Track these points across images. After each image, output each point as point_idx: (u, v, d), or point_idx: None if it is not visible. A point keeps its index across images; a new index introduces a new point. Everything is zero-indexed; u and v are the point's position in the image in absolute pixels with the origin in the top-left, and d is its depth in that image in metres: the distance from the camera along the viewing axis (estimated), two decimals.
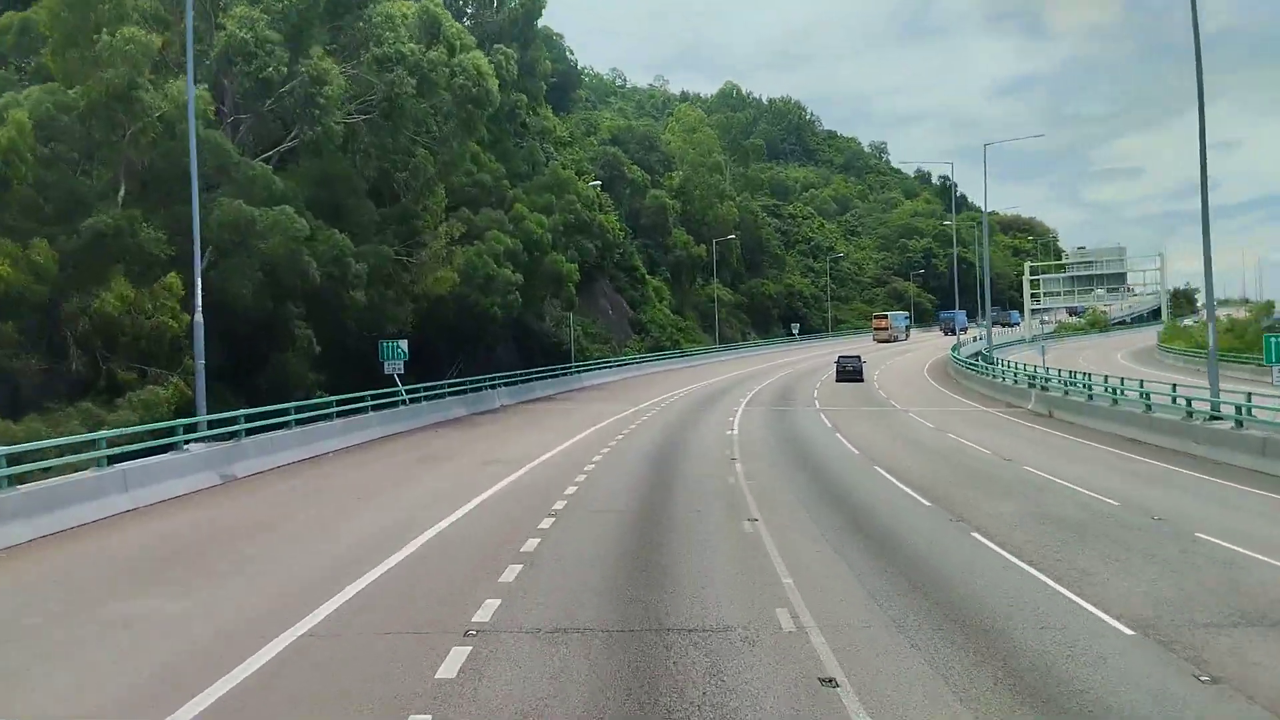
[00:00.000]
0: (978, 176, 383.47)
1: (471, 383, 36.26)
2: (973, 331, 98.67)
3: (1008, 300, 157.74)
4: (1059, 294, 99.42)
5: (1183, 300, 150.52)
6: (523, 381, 42.01)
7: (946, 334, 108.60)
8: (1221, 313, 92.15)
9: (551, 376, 46.59)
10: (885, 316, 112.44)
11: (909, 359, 78.82)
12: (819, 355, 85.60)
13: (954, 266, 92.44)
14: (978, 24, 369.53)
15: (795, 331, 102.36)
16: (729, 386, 51.56)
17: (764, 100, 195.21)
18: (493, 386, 37.51)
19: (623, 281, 71.84)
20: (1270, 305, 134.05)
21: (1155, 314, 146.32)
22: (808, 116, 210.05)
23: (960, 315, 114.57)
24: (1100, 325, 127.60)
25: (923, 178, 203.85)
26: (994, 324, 79.80)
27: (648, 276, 76.96)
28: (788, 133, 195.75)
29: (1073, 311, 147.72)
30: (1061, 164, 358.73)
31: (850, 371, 55.39)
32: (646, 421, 32.61)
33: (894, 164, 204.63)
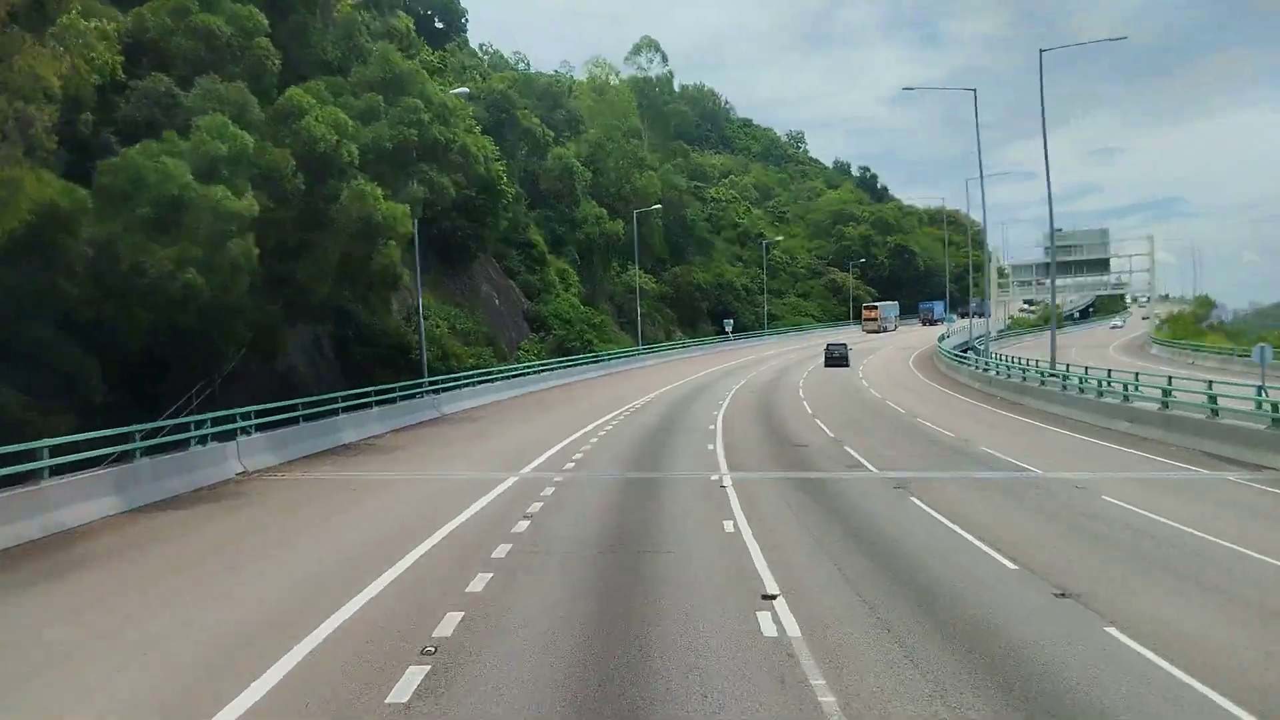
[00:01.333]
0: (894, 175, 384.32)
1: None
2: (960, 323, 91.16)
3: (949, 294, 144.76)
4: (1030, 283, 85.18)
5: (1117, 300, 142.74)
6: (310, 416, 22.93)
7: (926, 325, 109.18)
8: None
9: (380, 402, 27.60)
10: (876, 307, 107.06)
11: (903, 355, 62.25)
12: (767, 356, 68.59)
13: (946, 258, 75.88)
14: (876, 33, 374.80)
15: (729, 329, 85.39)
16: (676, 406, 34.01)
17: (677, 87, 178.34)
18: (204, 440, 18.22)
19: (515, 262, 53.24)
20: (1209, 301, 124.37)
21: (1085, 312, 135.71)
22: (723, 104, 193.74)
23: (939, 306, 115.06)
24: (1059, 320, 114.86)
25: (842, 168, 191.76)
26: (972, 315, 79.03)
27: (550, 256, 58.50)
28: (703, 119, 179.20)
29: (1030, 303, 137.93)
30: (960, 169, 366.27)
31: (837, 358, 58.28)
32: (539, 533, 14.06)
33: (812, 154, 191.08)
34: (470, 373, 35.47)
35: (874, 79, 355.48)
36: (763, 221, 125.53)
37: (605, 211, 68.49)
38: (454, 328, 37.12)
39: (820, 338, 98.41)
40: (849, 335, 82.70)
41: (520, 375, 40.96)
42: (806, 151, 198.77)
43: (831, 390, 40.09)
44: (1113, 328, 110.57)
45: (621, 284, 74.27)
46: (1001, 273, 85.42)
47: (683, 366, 60.57)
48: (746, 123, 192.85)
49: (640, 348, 64.42)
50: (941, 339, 69.10)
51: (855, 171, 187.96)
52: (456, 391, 33.49)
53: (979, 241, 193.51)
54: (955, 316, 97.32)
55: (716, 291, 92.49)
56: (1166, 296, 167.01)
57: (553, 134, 64.37)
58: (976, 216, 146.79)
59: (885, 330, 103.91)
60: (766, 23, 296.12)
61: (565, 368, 47.49)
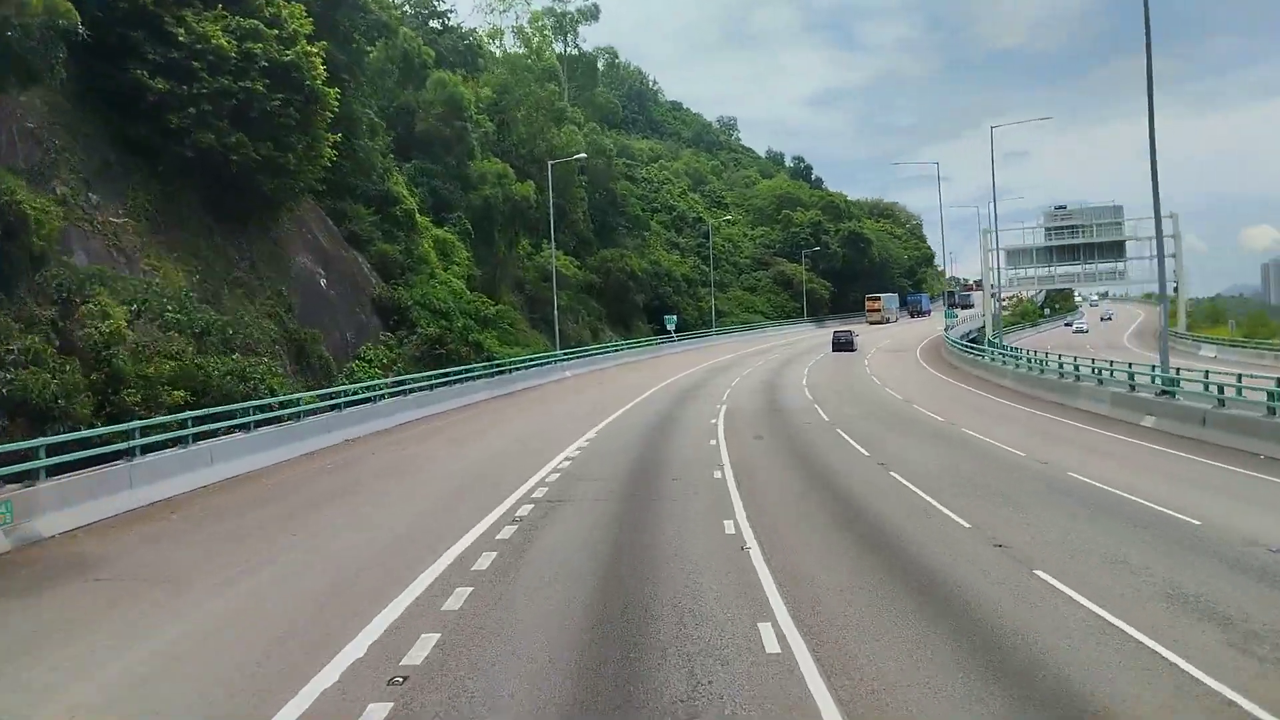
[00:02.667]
0: (821, 174, 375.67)
1: None
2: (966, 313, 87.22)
3: (899, 288, 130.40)
4: (1029, 270, 70.00)
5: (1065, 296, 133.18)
6: None
7: (914, 316, 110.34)
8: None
9: None
10: (879, 298, 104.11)
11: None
12: (725, 362, 51.44)
13: (945, 251, 57.08)
14: (794, 35, 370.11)
15: (670, 327, 68.07)
16: (634, 489, 15.98)
17: (600, 66, 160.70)
18: None
19: (366, 224, 34.55)
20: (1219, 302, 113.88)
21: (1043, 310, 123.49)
22: (651, 84, 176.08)
23: (924, 298, 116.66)
24: (1031, 316, 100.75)
25: (775, 158, 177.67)
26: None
27: (424, 221, 40.05)
28: (629, 99, 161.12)
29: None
30: (877, 171, 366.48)
31: (844, 344, 61.42)
32: None
33: (750, 133, 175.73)
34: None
35: (794, 80, 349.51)
36: (700, 205, 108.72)
37: (511, 170, 50.25)
38: (170, 323, 18.43)
39: (776, 338, 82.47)
40: (806, 333, 68.16)
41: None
42: (739, 139, 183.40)
43: (864, 398, 23.75)
44: (1076, 331, 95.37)
45: (534, 268, 56.09)
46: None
47: (617, 379, 42.99)
48: (676, 106, 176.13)
49: (558, 352, 46.44)
50: (947, 330, 55.86)
51: (789, 162, 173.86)
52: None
53: (919, 235, 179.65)
54: (957, 311, 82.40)
55: (654, 282, 75.01)
56: (1121, 295, 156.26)
57: (432, 54, 45.83)
58: (915, 210, 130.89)
59: (889, 321, 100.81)
60: (686, 19, 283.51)
61: (429, 387, 29.13)
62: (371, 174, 34.79)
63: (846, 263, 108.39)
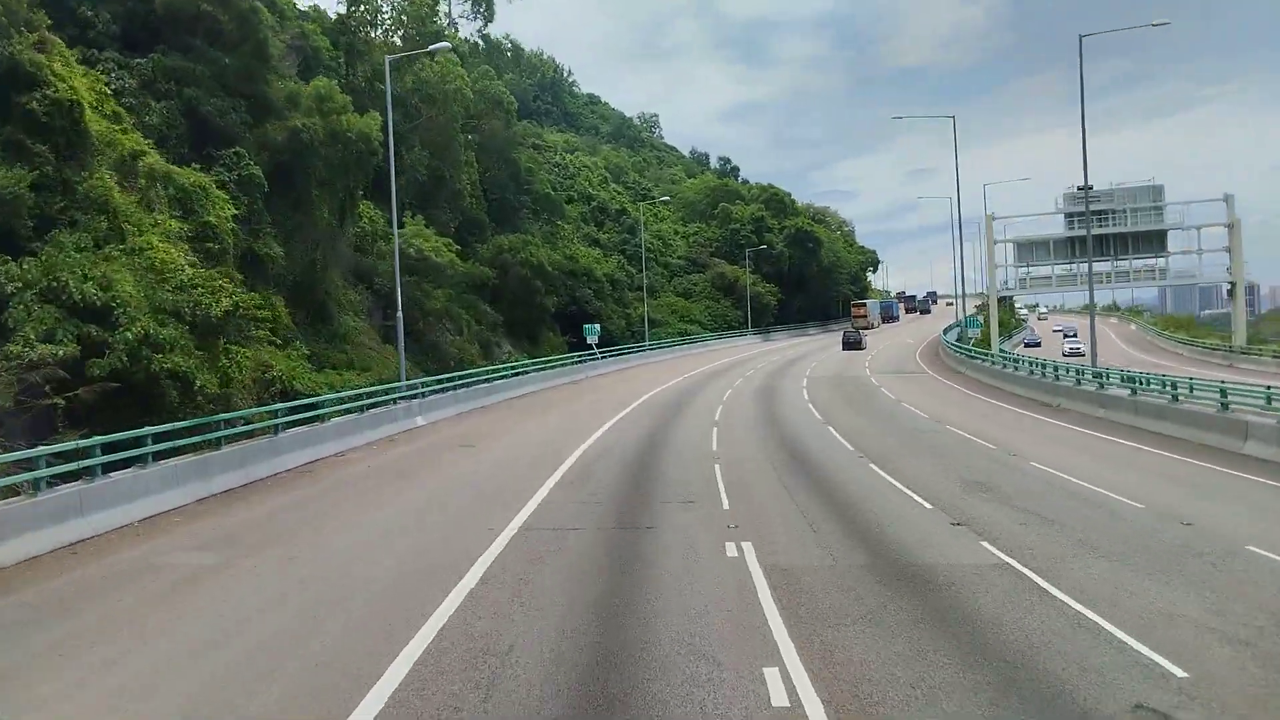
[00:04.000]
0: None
1: None
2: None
3: (841, 297, 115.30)
4: (1044, 267, 54.68)
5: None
6: None
7: (887, 321, 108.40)
8: None
9: None
10: (864, 304, 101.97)
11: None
12: (671, 388, 33.92)
13: (960, 250, 40.50)
14: (706, 50, 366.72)
15: (592, 339, 50.08)
16: None
17: (508, 53, 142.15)
18: None
19: None
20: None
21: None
22: (566, 77, 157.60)
23: (894, 304, 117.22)
24: (1004, 328, 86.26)
25: (700, 158, 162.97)
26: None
27: (128, 140, 21.12)
28: (542, 89, 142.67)
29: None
30: (797, 184, 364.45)
31: (852, 343, 66.08)
32: None
33: (668, 140, 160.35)
34: None
35: (707, 94, 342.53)
36: (624, 197, 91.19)
37: (344, 97, 31.62)
38: None
39: (722, 351, 65.56)
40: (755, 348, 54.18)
41: None
42: (661, 136, 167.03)
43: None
44: (1071, 352, 79.36)
45: (394, 252, 37.40)
46: (1021, 257, 54.62)
47: (503, 434, 25.15)
48: (594, 100, 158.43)
49: (404, 384, 27.93)
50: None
51: (715, 164, 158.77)
52: None
53: (851, 241, 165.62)
54: (980, 319, 66.49)
55: (569, 282, 57.04)
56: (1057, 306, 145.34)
57: None
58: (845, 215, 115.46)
59: (872, 327, 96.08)
60: (599, 33, 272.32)
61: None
62: None
63: (793, 265, 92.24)
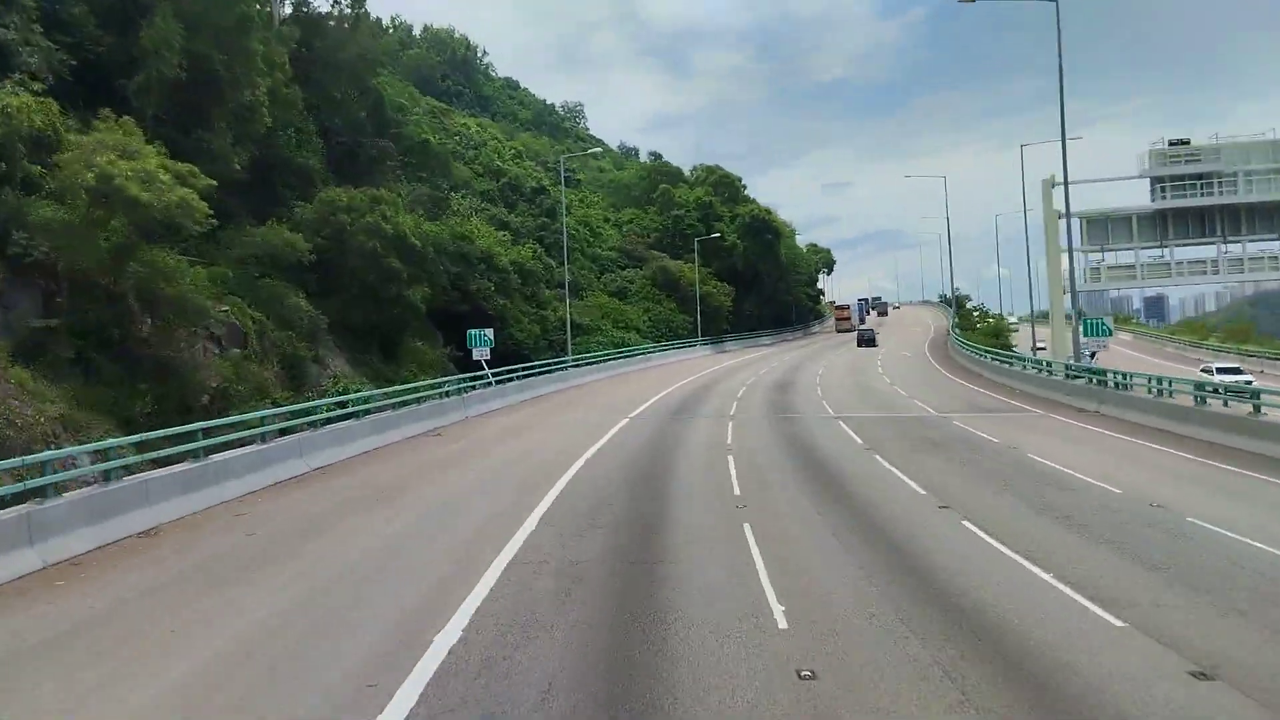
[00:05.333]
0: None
1: None
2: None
3: (795, 301, 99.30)
4: (1122, 252, 39.02)
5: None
6: None
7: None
8: None
9: None
10: (847, 306, 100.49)
11: None
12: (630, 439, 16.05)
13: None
14: (629, 60, 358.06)
15: (481, 355, 31.70)
16: None
17: (414, 31, 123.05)
18: None
19: None
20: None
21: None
22: (480, 59, 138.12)
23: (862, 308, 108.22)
24: (1002, 335, 70.89)
25: (629, 152, 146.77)
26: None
27: None
28: (452, 68, 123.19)
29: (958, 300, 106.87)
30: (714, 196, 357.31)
31: (867, 340, 65.37)
32: None
33: (594, 131, 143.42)
34: None
35: (630, 104, 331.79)
36: (540, 174, 73.27)
37: None
38: None
39: (671, 370, 48.08)
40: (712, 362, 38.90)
41: None
42: (586, 127, 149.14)
43: None
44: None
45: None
46: (1093, 231, 38.60)
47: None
48: (512, 85, 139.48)
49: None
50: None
51: (646, 159, 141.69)
52: None
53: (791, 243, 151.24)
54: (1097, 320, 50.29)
55: (458, 269, 39.03)
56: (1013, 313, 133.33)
57: None
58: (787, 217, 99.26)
59: (853, 329, 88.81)
60: (522, 40, 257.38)
61: None
62: None
63: (748, 261, 75.55)
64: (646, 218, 75.07)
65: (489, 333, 30.66)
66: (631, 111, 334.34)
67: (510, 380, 32.28)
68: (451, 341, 37.13)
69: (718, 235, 69.79)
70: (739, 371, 45.63)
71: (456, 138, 69.12)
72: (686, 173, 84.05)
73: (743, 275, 74.28)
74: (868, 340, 65.65)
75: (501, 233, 53.29)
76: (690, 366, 49.64)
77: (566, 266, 45.21)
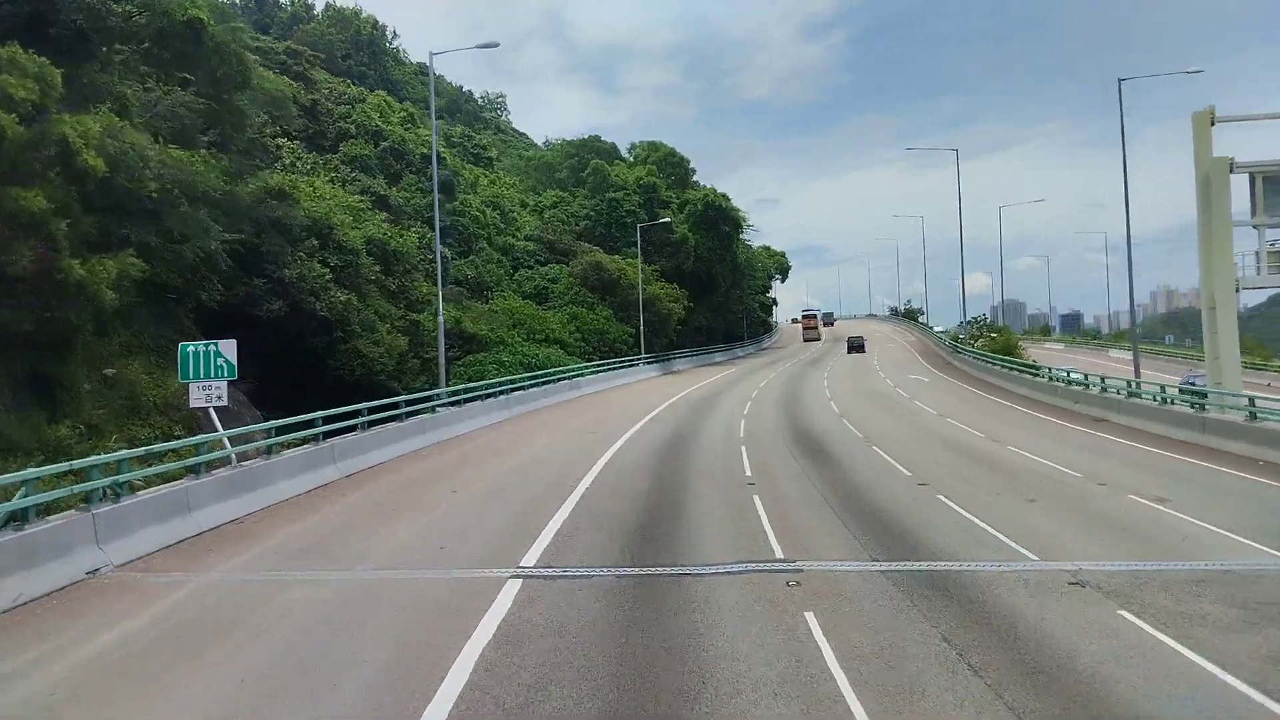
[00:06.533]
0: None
1: None
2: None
3: (746, 312, 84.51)
4: None
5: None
6: None
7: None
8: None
9: None
10: (814, 315, 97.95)
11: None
12: None
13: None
14: (559, 74, 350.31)
15: (209, 404, 15.20)
16: None
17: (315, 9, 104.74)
18: None
19: None
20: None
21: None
22: (390, 41, 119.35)
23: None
24: (1014, 351, 56.91)
25: (555, 148, 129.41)
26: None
27: None
28: (357, 47, 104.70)
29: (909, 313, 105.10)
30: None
31: (856, 347, 63.44)
32: None
33: (518, 127, 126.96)
34: None
35: (557, 119, 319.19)
36: (441, 147, 56.74)
37: None
38: None
39: (604, 401, 32.29)
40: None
41: None
42: (509, 121, 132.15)
43: None
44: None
45: None
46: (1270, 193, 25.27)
47: None
48: (423, 70, 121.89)
49: None
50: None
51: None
52: None
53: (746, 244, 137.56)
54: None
55: (268, 242, 22.73)
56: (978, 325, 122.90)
57: None
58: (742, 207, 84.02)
59: (823, 339, 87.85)
60: (450, 54, 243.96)
61: None
62: None
63: (701, 260, 60.32)
64: (575, 202, 59.25)
65: (227, 350, 14.25)
66: (559, 126, 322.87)
67: (317, 440, 16.03)
68: (251, 361, 20.80)
69: (667, 220, 54.35)
70: (714, 405, 30.07)
71: (328, 88, 52.74)
72: (624, 151, 68.52)
73: (695, 277, 59.01)
74: (857, 347, 63.44)
75: (378, 213, 36.98)
76: (636, 397, 33.89)
77: (437, 233, 28.85)
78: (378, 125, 50.92)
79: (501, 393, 28.12)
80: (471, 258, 46.86)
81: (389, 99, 60.46)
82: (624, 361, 45.37)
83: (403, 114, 57.88)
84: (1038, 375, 33.43)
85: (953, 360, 51.06)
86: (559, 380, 34.31)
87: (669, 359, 52.89)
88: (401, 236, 37.60)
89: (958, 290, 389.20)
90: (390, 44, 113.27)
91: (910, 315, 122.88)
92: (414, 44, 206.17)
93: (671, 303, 52.10)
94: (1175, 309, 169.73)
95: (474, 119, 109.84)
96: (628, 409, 28.93)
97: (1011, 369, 37.76)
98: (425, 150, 51.69)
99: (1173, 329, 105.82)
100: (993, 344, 55.28)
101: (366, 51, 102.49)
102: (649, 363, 49.11)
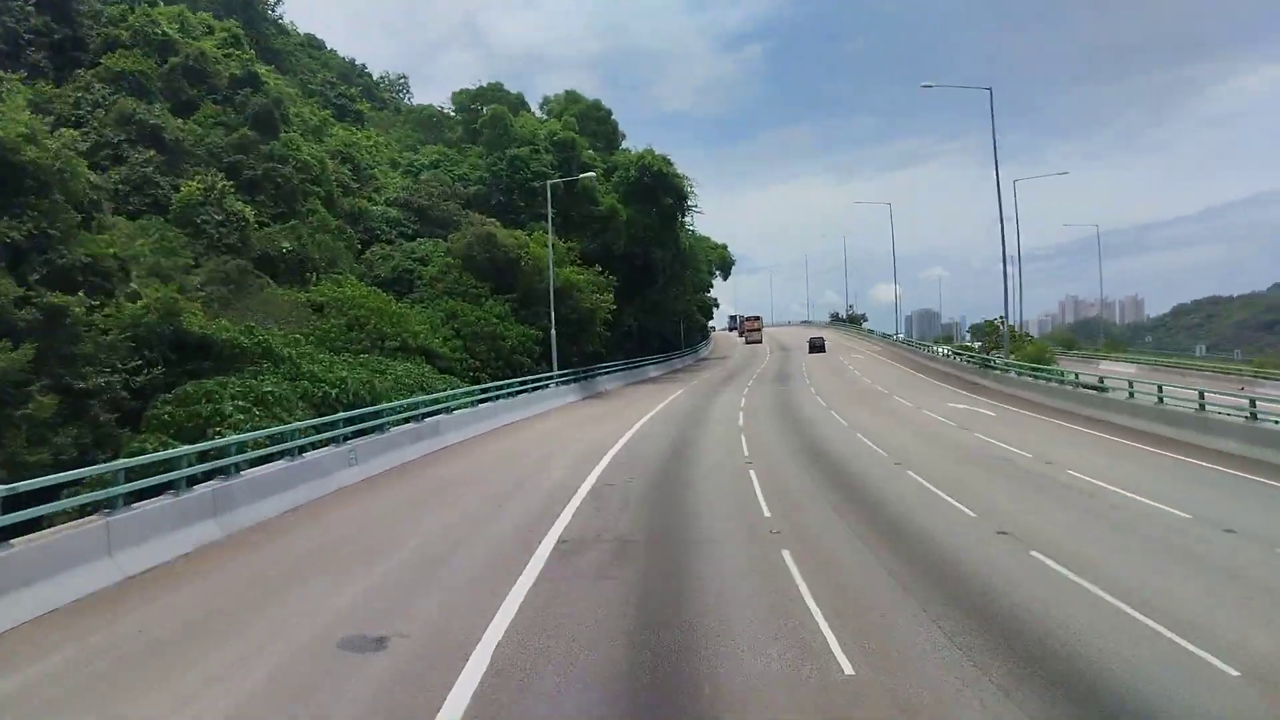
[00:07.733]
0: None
1: None
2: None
3: (684, 315, 69.87)
4: None
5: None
6: None
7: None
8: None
9: None
10: (759, 319, 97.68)
11: None
12: None
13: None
14: (474, 83, 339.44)
15: None
16: None
17: None
18: None
19: None
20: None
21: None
22: (271, 7, 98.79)
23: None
24: (1045, 359, 43.55)
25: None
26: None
27: None
28: (227, 10, 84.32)
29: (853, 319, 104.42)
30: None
31: (817, 347, 66.86)
32: None
33: (420, 101, 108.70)
34: None
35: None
36: (260, 69, 40.18)
37: None
38: None
39: (495, 460, 16.55)
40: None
41: None
42: (411, 100, 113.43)
43: None
44: None
45: None
46: None
47: None
48: (316, 42, 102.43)
49: None
50: None
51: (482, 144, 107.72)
52: None
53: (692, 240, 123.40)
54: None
55: None
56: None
57: None
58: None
59: (761, 342, 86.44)
60: (363, 62, 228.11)
61: None
62: None
63: (635, 241, 45.14)
64: (465, 161, 43.33)
65: None
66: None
67: None
68: None
69: (590, 174, 39.03)
70: (686, 466, 15.05)
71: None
72: (536, 109, 52.80)
73: (627, 262, 43.70)
74: (818, 347, 67.54)
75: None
76: (539, 454, 18.72)
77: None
78: (167, 35, 34.25)
79: (171, 485, 12.27)
80: (294, 222, 30.76)
81: (203, 15, 43.73)
82: (525, 383, 29.74)
83: (224, 34, 41.09)
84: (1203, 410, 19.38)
85: (981, 379, 37.05)
86: (383, 425, 18.53)
87: (591, 375, 37.50)
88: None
89: (871, 300, 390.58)
90: (271, 10, 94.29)
91: (854, 321, 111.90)
92: (340, 46, 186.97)
93: (597, 294, 36.65)
94: (1083, 318, 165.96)
95: (370, 98, 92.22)
96: (514, 494, 13.79)
97: (1105, 391, 24.06)
98: (238, 72, 35.22)
99: (1082, 337, 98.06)
100: (1024, 355, 41.78)
101: (242, 15, 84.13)
102: (565, 381, 33.64)
